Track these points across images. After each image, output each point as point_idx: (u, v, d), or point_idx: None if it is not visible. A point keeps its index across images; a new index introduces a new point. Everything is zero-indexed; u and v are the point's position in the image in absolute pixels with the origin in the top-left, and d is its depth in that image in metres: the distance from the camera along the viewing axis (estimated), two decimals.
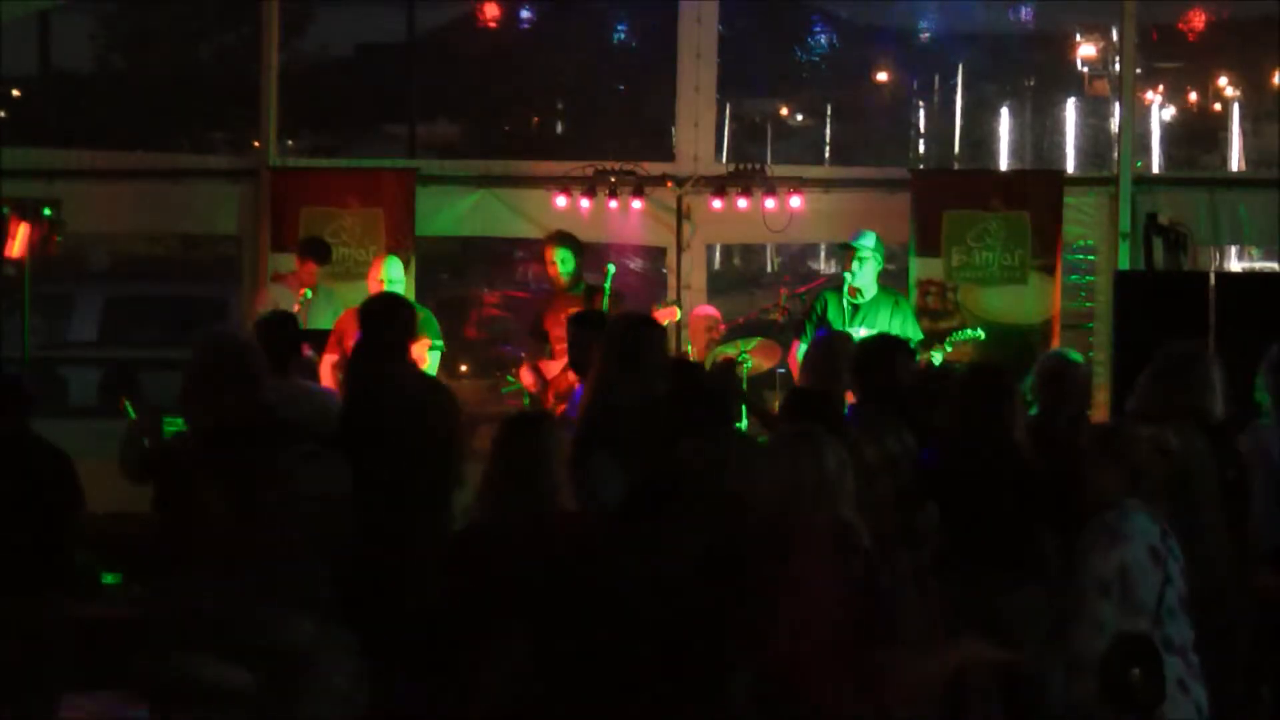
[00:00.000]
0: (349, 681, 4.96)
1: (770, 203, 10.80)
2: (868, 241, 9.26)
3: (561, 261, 9.62)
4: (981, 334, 9.64)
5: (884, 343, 7.27)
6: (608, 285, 9.44)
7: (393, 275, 9.22)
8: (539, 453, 5.11)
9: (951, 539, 5.50)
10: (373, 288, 9.06)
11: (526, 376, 9.45)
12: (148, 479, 5.76)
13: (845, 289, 9.16)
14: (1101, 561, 4.81)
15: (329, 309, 9.59)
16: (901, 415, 5.94)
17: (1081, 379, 7.32)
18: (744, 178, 10.85)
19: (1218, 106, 22.92)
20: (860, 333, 8.78)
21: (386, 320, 6.71)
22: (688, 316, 10.13)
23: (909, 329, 9.21)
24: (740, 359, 9.36)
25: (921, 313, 10.31)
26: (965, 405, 6.17)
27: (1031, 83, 23.36)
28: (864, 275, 9.22)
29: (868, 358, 6.82)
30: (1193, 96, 23.35)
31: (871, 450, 5.46)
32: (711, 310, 10.29)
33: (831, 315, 9.23)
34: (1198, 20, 12.07)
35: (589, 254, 10.12)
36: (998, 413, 6.09)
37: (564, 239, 9.75)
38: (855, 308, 9.15)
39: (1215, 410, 6.04)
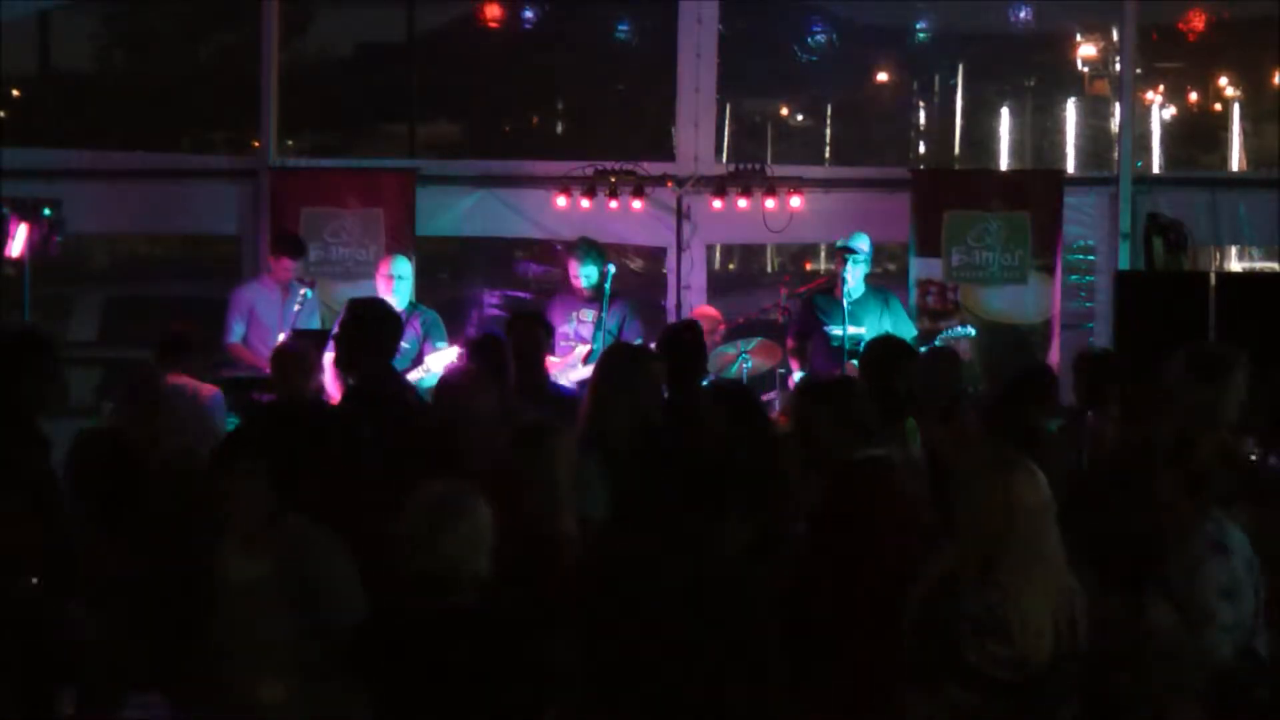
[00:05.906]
0: None
1: (770, 203, 10.82)
2: (862, 244, 9.34)
3: (585, 276, 9.50)
4: (973, 331, 9.68)
5: (888, 346, 7.29)
6: (607, 286, 9.43)
7: (401, 271, 9.21)
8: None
9: None
10: (381, 284, 9.04)
11: None
12: None
13: (835, 289, 9.24)
14: (1218, 570, 4.75)
15: (314, 310, 9.59)
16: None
17: None
18: (744, 178, 10.86)
19: (1218, 106, 22.87)
20: (851, 331, 8.89)
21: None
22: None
23: (901, 327, 9.27)
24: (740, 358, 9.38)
25: (921, 313, 10.32)
26: None
27: (1031, 83, 23.29)
28: (855, 275, 9.29)
29: (873, 360, 6.85)
30: (1193, 96, 23.28)
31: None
32: (713, 311, 10.29)
33: (822, 315, 9.28)
34: (1198, 20, 12.05)
35: None
36: None
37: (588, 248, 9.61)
38: (846, 307, 9.19)
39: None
